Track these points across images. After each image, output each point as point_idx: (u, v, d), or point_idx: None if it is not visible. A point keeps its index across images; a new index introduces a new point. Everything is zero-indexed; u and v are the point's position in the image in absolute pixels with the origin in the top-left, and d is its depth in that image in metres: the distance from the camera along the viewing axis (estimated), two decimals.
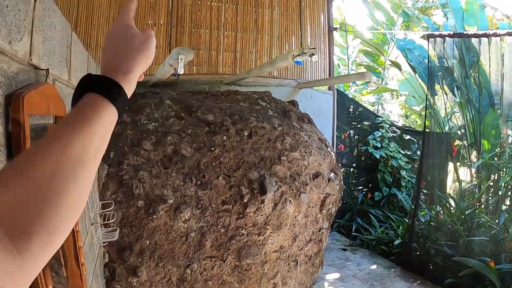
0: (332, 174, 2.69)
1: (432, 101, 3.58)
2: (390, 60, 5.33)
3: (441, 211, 3.29)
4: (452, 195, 3.64)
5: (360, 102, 5.48)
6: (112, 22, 3.00)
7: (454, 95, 3.66)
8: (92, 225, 1.56)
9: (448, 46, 3.36)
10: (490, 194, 3.28)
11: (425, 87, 3.79)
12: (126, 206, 1.95)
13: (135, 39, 0.41)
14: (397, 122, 5.36)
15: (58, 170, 0.28)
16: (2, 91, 0.66)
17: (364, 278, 2.99)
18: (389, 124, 4.45)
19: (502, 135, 3.32)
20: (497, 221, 2.90)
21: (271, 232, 2.23)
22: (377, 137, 4.25)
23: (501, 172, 3.17)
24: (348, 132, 4.56)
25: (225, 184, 2.16)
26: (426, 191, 3.49)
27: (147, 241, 1.96)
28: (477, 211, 3.09)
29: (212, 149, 2.22)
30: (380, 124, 4.35)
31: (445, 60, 3.48)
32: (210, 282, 2.10)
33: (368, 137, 4.30)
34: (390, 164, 4.15)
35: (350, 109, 4.58)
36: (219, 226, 2.11)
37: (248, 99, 2.78)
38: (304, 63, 3.62)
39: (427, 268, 3.04)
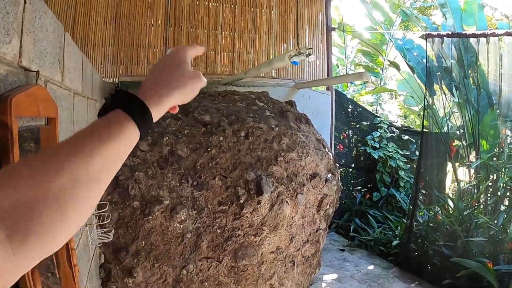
0: (329, 175, 2.68)
1: (431, 101, 3.57)
2: (388, 60, 5.32)
3: (439, 212, 3.28)
4: (450, 195, 3.63)
5: (358, 102, 5.48)
6: (109, 22, 3.00)
7: (453, 95, 3.65)
8: (86, 226, 1.56)
9: (447, 46, 3.35)
10: (489, 195, 3.27)
11: (424, 87, 3.78)
12: (121, 207, 1.95)
13: (184, 73, 0.42)
14: (396, 122, 5.35)
15: (74, 184, 0.28)
16: None
17: (362, 279, 2.98)
18: (387, 124, 4.44)
19: (500, 135, 3.31)
20: (495, 221, 2.89)
21: (267, 233, 2.22)
22: (375, 137, 4.24)
23: (500, 173, 3.16)
24: (346, 132, 4.56)
25: (221, 185, 2.16)
26: (424, 192, 3.48)
27: (143, 242, 1.96)
28: (475, 211, 3.08)
29: (209, 149, 2.22)
30: (379, 124, 4.34)
31: (443, 60, 3.47)
32: (206, 283, 2.10)
33: (366, 137, 4.29)
34: (388, 165, 4.14)
35: (349, 109, 4.58)
36: (215, 227, 2.11)
37: (245, 99, 2.78)
38: (302, 63, 3.62)
39: (425, 269, 3.04)
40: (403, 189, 4.18)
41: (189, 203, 2.06)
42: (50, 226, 0.27)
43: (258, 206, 2.17)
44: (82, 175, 0.29)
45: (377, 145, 4.21)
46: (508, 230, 2.78)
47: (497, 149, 3.31)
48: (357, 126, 4.54)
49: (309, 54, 2.00)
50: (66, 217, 0.28)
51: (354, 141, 4.57)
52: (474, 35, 3.08)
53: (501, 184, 3.14)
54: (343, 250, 3.58)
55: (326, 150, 2.81)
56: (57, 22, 1.17)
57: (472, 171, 3.49)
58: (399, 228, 3.64)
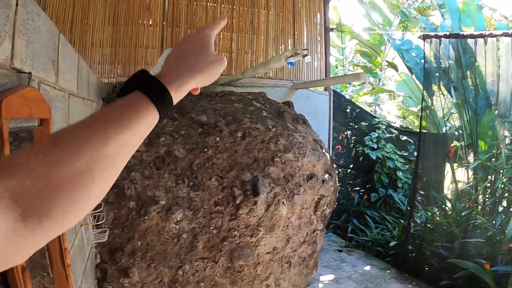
0: (326, 176, 2.68)
1: (430, 102, 3.57)
2: (386, 61, 5.33)
3: (437, 213, 3.28)
4: (448, 196, 3.63)
5: (357, 103, 5.47)
6: (107, 22, 3.01)
7: (451, 96, 3.65)
8: (81, 226, 1.57)
9: (445, 46, 3.35)
10: (487, 196, 3.27)
11: (422, 88, 3.77)
12: (117, 207, 1.95)
13: (207, 56, 0.41)
14: (394, 123, 5.34)
15: (92, 167, 0.28)
16: None
17: (359, 280, 2.98)
18: (385, 125, 4.44)
19: (499, 136, 3.30)
20: (493, 222, 2.89)
21: (263, 234, 2.23)
22: (373, 138, 4.24)
23: (498, 174, 3.16)
24: (345, 133, 4.56)
25: (217, 185, 2.16)
26: (422, 192, 3.47)
27: (139, 242, 1.97)
28: (473, 212, 3.07)
29: (205, 150, 2.22)
30: (377, 125, 4.34)
31: (442, 60, 3.47)
32: (202, 284, 2.10)
33: (364, 138, 4.29)
34: (386, 165, 4.14)
35: (347, 110, 4.58)
36: (211, 228, 2.11)
37: (242, 100, 2.78)
38: (300, 64, 3.62)
39: (423, 270, 3.03)
40: (401, 190, 4.18)
41: (185, 203, 2.06)
42: (65, 207, 0.27)
43: (254, 206, 2.17)
44: (99, 158, 0.29)
45: (375, 146, 4.21)
46: (506, 231, 2.78)
47: (495, 150, 3.31)
48: (356, 126, 4.54)
49: (305, 55, 2.00)
50: (81, 199, 0.29)
51: (352, 142, 4.57)
52: (471, 36, 3.08)
53: (499, 185, 3.13)
54: (340, 251, 3.58)
55: (323, 150, 2.82)
56: (51, 23, 1.18)
57: (470, 172, 3.49)
58: (396, 229, 3.64)
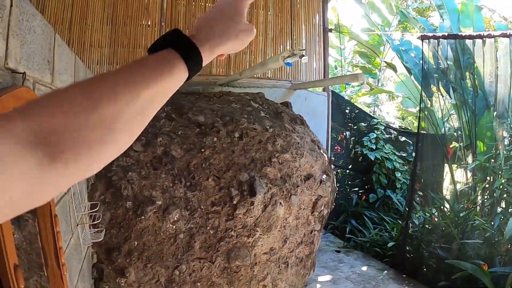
0: (324, 176, 2.68)
1: (430, 103, 3.57)
2: (385, 62, 5.32)
3: (435, 214, 3.27)
4: (447, 197, 3.62)
5: (356, 103, 5.47)
6: (106, 23, 3.02)
7: (450, 97, 3.65)
8: (77, 225, 1.57)
9: (443, 47, 3.35)
10: (485, 197, 3.26)
11: (421, 89, 3.77)
12: (114, 207, 1.95)
13: (239, 24, 0.41)
14: (393, 124, 5.34)
15: (122, 114, 0.29)
16: None
17: (357, 281, 2.98)
18: (384, 126, 4.44)
19: (497, 137, 3.30)
20: (492, 223, 2.88)
21: (260, 234, 2.23)
22: (372, 138, 4.24)
23: (497, 174, 3.15)
24: (344, 134, 4.55)
25: (214, 186, 2.16)
26: (420, 193, 3.47)
27: (136, 242, 1.97)
28: (471, 213, 3.07)
29: (202, 150, 2.23)
30: (376, 126, 4.34)
31: (440, 61, 3.47)
32: (198, 284, 2.10)
33: (363, 139, 4.29)
34: (385, 166, 4.14)
35: (346, 111, 4.57)
36: (208, 228, 2.11)
37: (240, 100, 2.79)
38: (299, 64, 3.62)
39: (421, 271, 3.03)
40: (399, 191, 4.17)
41: (182, 203, 2.07)
42: (93, 150, 0.28)
43: (251, 207, 2.17)
44: (130, 106, 0.30)
45: (374, 147, 4.21)
46: (504, 232, 2.77)
47: (494, 151, 3.30)
48: (355, 127, 4.54)
49: (303, 55, 2.01)
50: (109, 144, 0.29)
51: (351, 143, 4.57)
52: (470, 37, 3.08)
53: (498, 186, 3.13)
54: (338, 252, 3.58)
55: (321, 151, 2.82)
56: (46, 24, 1.18)
57: (469, 173, 3.48)
58: (395, 229, 3.64)
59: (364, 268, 3.22)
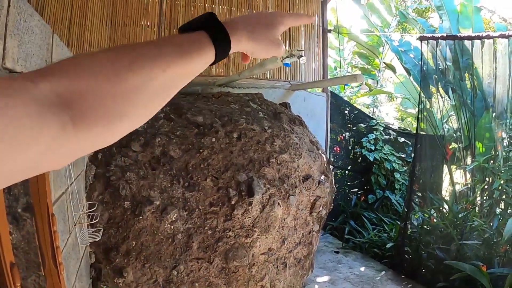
0: (322, 177, 2.69)
1: (429, 104, 3.57)
2: (384, 63, 5.33)
3: (434, 214, 3.28)
4: (445, 198, 3.62)
5: (355, 104, 5.47)
6: (105, 23, 3.03)
7: (449, 98, 3.65)
8: (75, 225, 1.57)
9: (442, 48, 3.35)
10: (484, 197, 3.26)
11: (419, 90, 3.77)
12: (112, 207, 1.96)
13: (271, 35, 0.43)
14: (392, 125, 5.34)
15: (146, 86, 0.29)
16: None
17: (356, 281, 2.98)
18: (383, 127, 4.44)
19: (496, 138, 3.30)
20: (490, 224, 2.88)
21: (259, 235, 2.23)
22: (371, 139, 4.24)
23: (496, 175, 3.15)
24: (343, 135, 4.56)
25: (212, 186, 2.17)
26: (419, 194, 3.47)
27: (134, 242, 1.97)
28: (470, 214, 3.07)
29: (201, 150, 2.23)
30: (375, 127, 4.34)
31: (439, 62, 3.47)
32: (196, 284, 2.10)
33: (362, 140, 4.29)
34: (384, 167, 4.14)
35: (346, 112, 4.58)
36: (206, 228, 2.12)
37: (239, 101, 2.79)
38: (297, 65, 3.63)
39: (419, 272, 3.03)
40: (398, 192, 4.17)
41: (180, 204, 2.07)
42: (111, 121, 0.28)
43: (249, 207, 2.17)
44: (155, 80, 0.30)
45: (373, 148, 4.21)
46: (503, 233, 2.77)
47: (493, 151, 3.30)
48: (354, 128, 4.54)
49: (301, 56, 2.01)
50: (131, 114, 0.29)
51: (351, 143, 4.57)
52: (468, 38, 3.08)
53: (497, 187, 3.13)
54: (337, 252, 3.58)
55: (320, 152, 2.82)
56: (44, 24, 1.19)
57: (468, 173, 3.48)
58: (393, 230, 3.64)
59: (363, 269, 3.22)
